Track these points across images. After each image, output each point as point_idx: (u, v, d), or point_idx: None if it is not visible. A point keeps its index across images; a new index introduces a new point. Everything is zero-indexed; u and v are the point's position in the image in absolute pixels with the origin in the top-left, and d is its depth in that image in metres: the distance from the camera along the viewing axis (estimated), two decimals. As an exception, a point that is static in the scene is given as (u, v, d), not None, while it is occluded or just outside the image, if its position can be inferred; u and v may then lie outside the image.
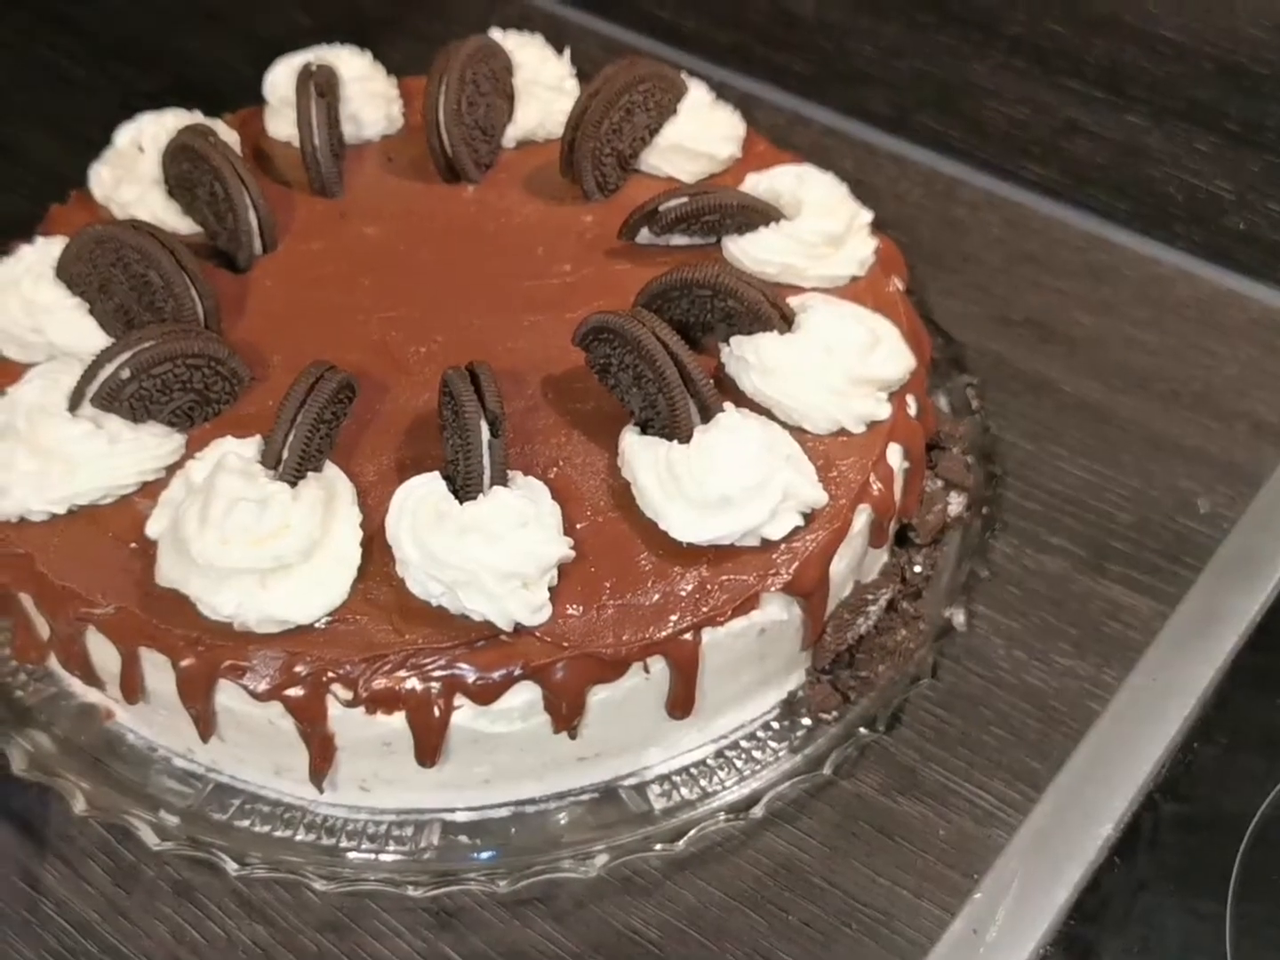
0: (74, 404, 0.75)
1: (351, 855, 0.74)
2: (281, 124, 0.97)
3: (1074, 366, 1.04)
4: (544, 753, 0.74)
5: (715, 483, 0.72)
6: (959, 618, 0.84)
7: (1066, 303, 1.09)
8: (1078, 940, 0.74)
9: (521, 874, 0.73)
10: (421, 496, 0.71)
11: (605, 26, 1.36)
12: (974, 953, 0.73)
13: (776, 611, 0.74)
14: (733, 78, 1.28)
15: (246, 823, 0.75)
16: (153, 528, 0.72)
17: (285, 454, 0.71)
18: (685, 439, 0.74)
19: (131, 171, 0.90)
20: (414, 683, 0.69)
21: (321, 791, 0.74)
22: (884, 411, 0.80)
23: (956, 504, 0.88)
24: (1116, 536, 0.92)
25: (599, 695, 0.71)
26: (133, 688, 0.73)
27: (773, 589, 0.73)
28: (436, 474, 0.72)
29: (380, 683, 0.69)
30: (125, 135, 0.92)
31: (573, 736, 0.73)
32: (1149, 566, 0.90)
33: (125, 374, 0.74)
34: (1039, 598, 0.89)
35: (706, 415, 0.75)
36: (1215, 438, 0.99)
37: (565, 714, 0.71)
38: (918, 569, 0.86)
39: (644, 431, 0.76)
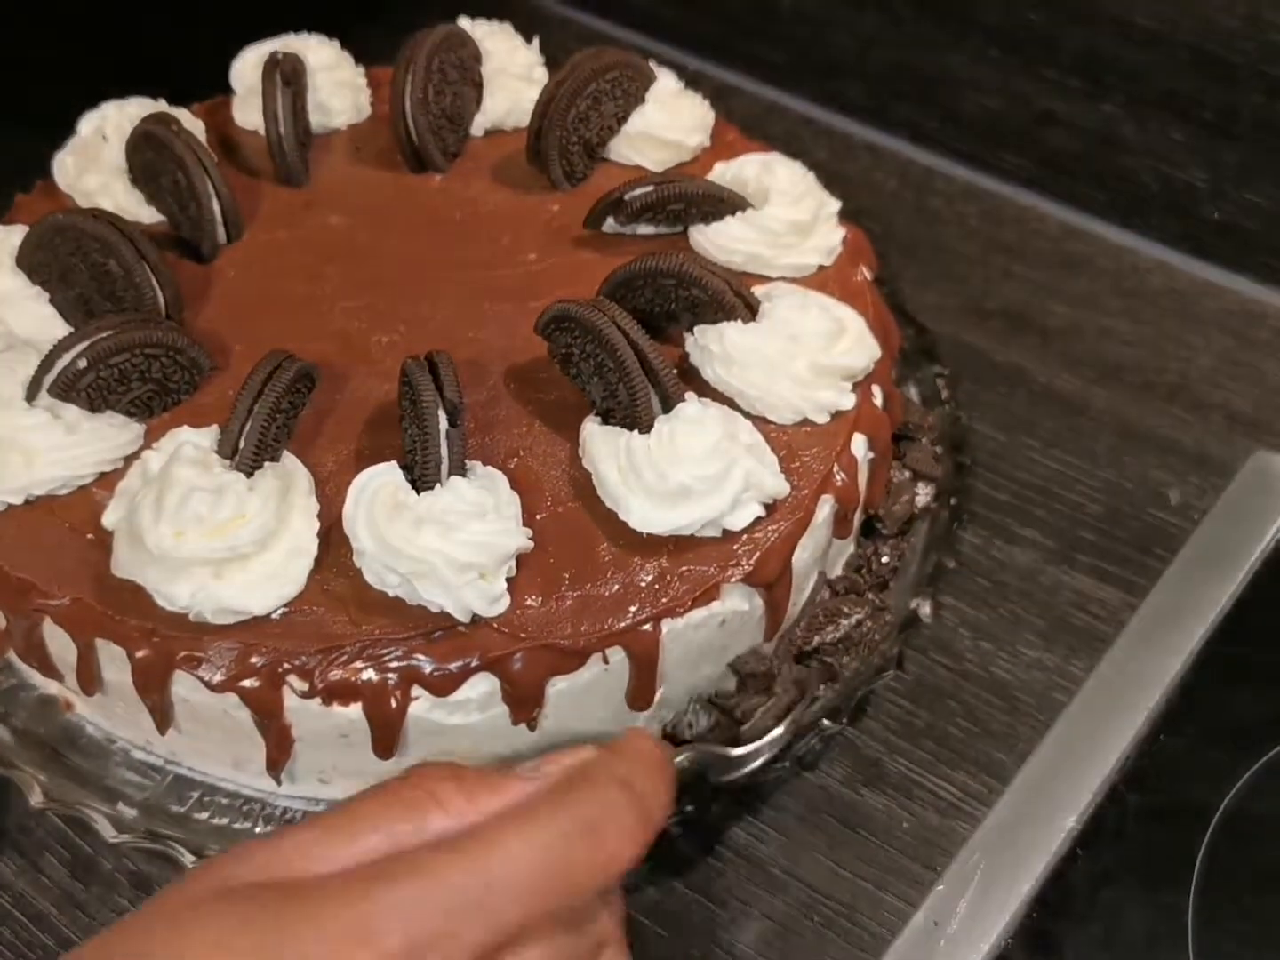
0: (31, 394, 0.74)
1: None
2: (249, 113, 0.96)
3: (1048, 357, 1.04)
4: (504, 744, 0.73)
5: (675, 473, 0.71)
6: (924, 609, 0.84)
7: (1041, 293, 1.09)
8: (1040, 933, 0.74)
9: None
10: (378, 487, 0.70)
11: (582, 16, 1.35)
12: (935, 945, 0.73)
13: (737, 602, 0.74)
14: (709, 67, 1.28)
15: (205, 815, 0.74)
16: (109, 518, 0.71)
17: (241, 444, 0.71)
18: (646, 429, 0.73)
19: (95, 160, 0.89)
20: (370, 674, 0.68)
21: (280, 784, 0.74)
22: (848, 402, 0.79)
23: (924, 494, 0.88)
24: (1086, 528, 0.92)
25: (558, 686, 0.71)
26: (90, 679, 0.72)
27: (733, 580, 0.72)
28: (394, 464, 0.72)
29: (336, 674, 0.68)
30: (89, 124, 0.91)
31: (531, 728, 0.72)
32: (1118, 558, 0.90)
33: (82, 364, 0.73)
34: (1007, 589, 0.89)
35: (668, 405, 0.74)
36: (1189, 429, 0.99)
37: (524, 705, 0.71)
38: (884, 560, 0.86)
39: (605, 421, 0.76)
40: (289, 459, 0.73)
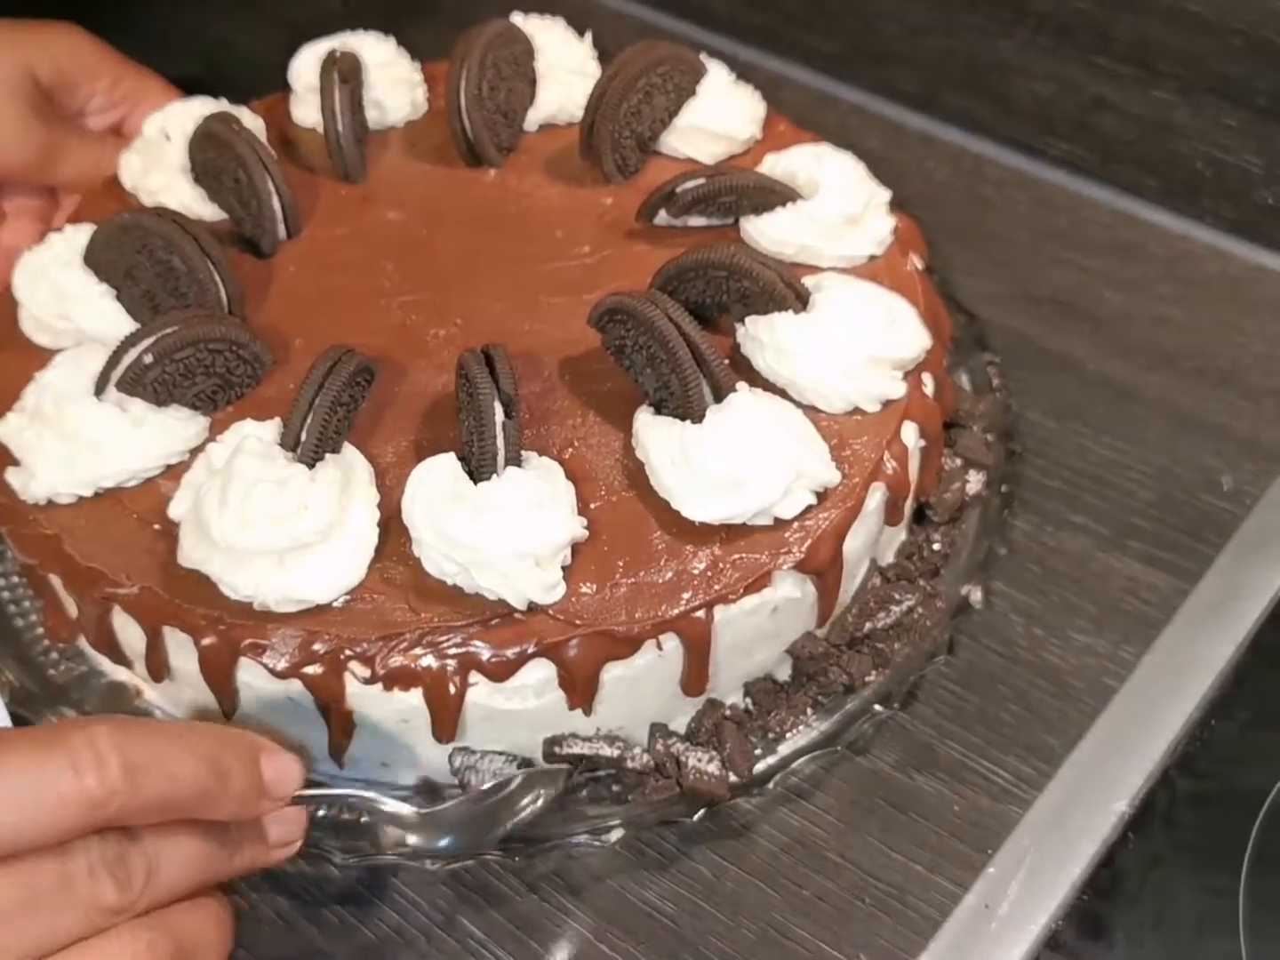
0: (99, 388, 0.76)
1: (371, 830, 0.75)
2: (307, 110, 0.98)
3: (1099, 344, 1.03)
4: (560, 729, 0.75)
5: (727, 462, 0.72)
6: (976, 595, 0.84)
7: (1093, 280, 1.08)
8: (1091, 915, 0.74)
9: (538, 848, 0.74)
10: (437, 477, 0.72)
11: (635, 8, 1.36)
12: (986, 927, 0.73)
13: (789, 589, 0.75)
14: (760, 58, 1.28)
15: (270, 798, 0.77)
16: (175, 509, 0.73)
17: (303, 436, 0.73)
18: (698, 419, 0.74)
19: (159, 160, 0.91)
20: (430, 660, 0.70)
21: (342, 767, 0.76)
22: (899, 390, 0.80)
23: (975, 482, 0.88)
24: (1138, 514, 0.92)
25: (613, 672, 0.72)
26: (158, 666, 0.74)
27: (785, 567, 0.73)
28: (451, 455, 0.73)
29: (397, 660, 0.70)
30: (153, 124, 0.93)
31: (587, 713, 0.74)
32: (1170, 544, 0.90)
33: (148, 359, 0.75)
34: (1058, 575, 0.89)
35: (719, 395, 0.75)
36: (1242, 415, 0.98)
37: (580, 691, 0.72)
38: (936, 546, 0.87)
39: (658, 412, 0.77)
40: (349, 451, 0.75)
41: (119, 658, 0.78)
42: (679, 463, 0.73)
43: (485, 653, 0.70)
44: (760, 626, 0.75)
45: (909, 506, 0.84)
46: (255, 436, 0.73)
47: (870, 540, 0.80)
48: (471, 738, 0.74)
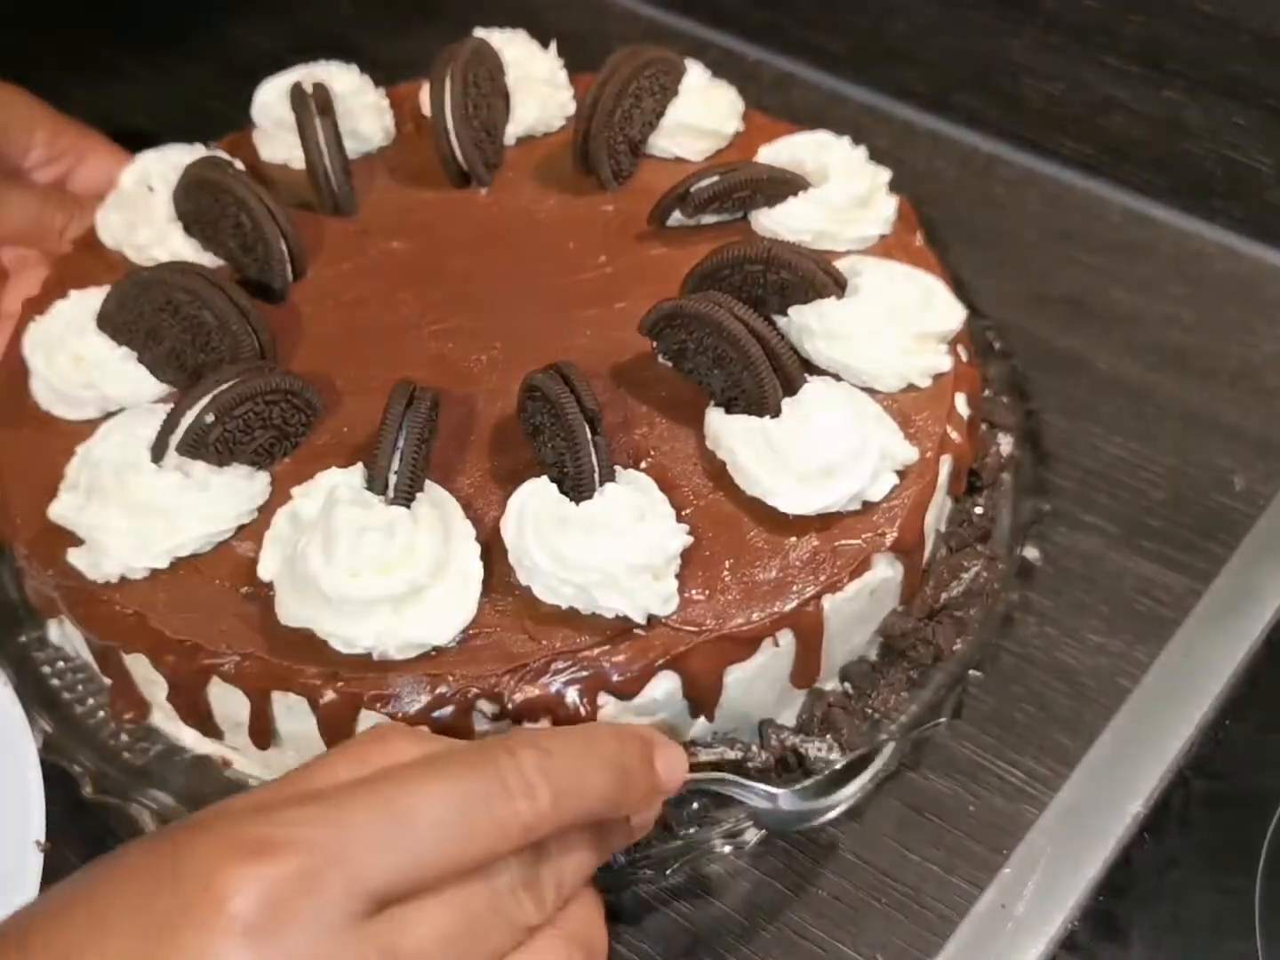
0: (158, 454, 0.73)
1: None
2: (277, 147, 0.96)
3: (1110, 344, 1.03)
4: (682, 738, 0.75)
5: (817, 452, 0.73)
6: (1033, 553, 0.86)
7: (1103, 280, 1.07)
8: (1107, 915, 0.74)
9: (681, 857, 0.74)
10: (538, 504, 0.71)
11: (644, 8, 1.32)
12: (1002, 927, 0.73)
13: (884, 570, 0.76)
14: (769, 57, 1.28)
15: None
16: (266, 569, 0.71)
17: (393, 478, 0.71)
18: (775, 413, 0.75)
19: (144, 212, 0.88)
20: (557, 687, 0.69)
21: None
22: (947, 363, 0.82)
23: (1006, 444, 0.90)
24: (1151, 514, 0.92)
25: (733, 675, 0.72)
26: (265, 733, 0.72)
27: (882, 549, 0.74)
28: (544, 479, 0.72)
29: (525, 691, 0.69)
30: (130, 176, 0.90)
31: (710, 719, 0.74)
32: (1183, 543, 0.90)
33: (209, 418, 0.73)
34: (1071, 575, 0.88)
35: (790, 388, 0.76)
36: (1253, 415, 0.98)
37: (706, 698, 0.72)
38: (979, 511, 0.88)
39: (729, 411, 0.77)
40: (433, 488, 0.73)
41: (210, 730, 0.75)
42: (767, 459, 0.74)
43: (612, 672, 0.69)
44: (861, 610, 0.76)
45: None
46: (345, 485, 0.71)
47: (939, 513, 0.82)
48: (600, 759, 0.73)
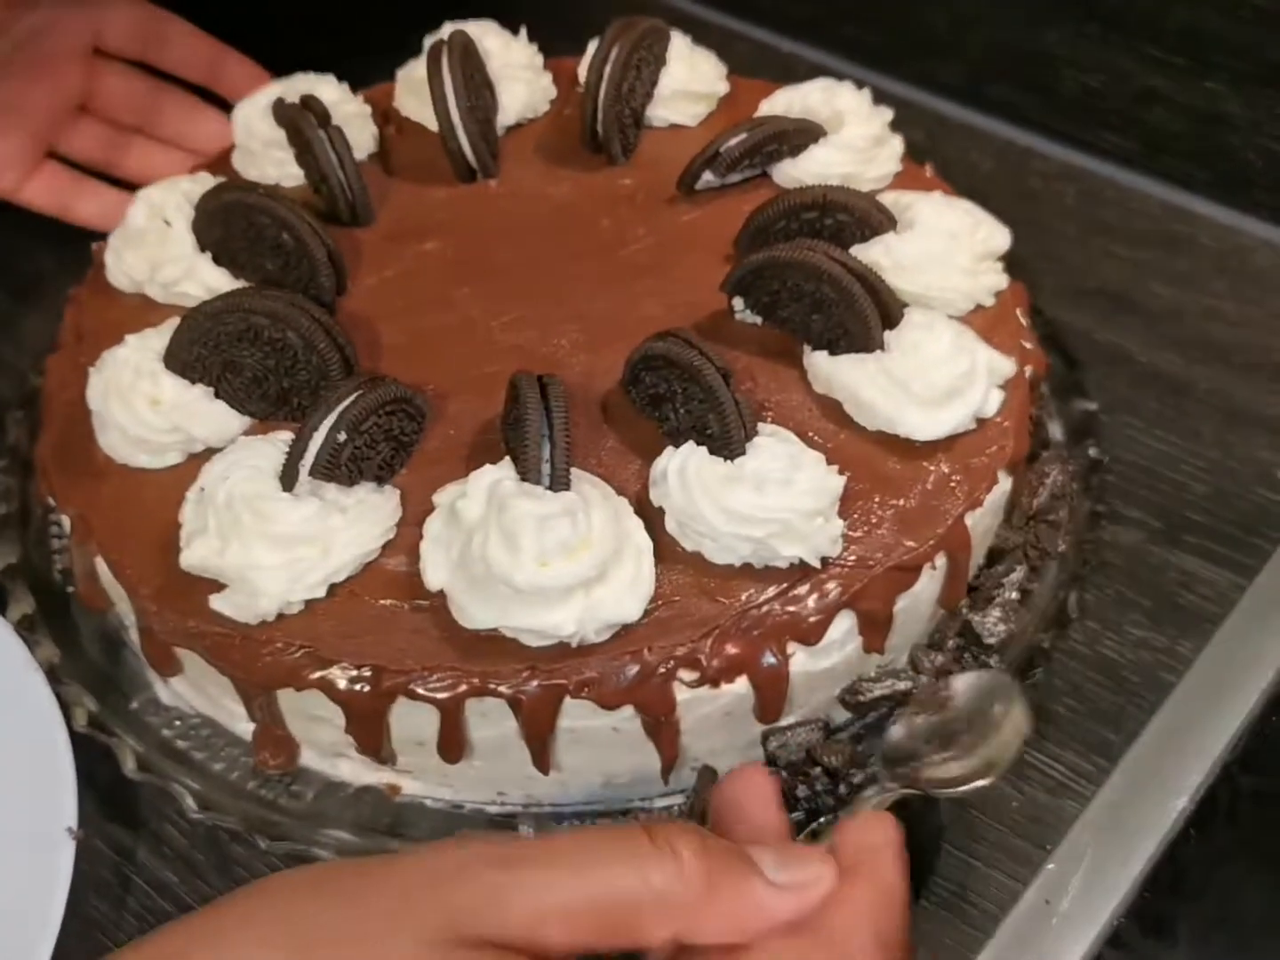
0: (289, 483, 0.71)
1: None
2: (266, 165, 0.92)
3: (1150, 338, 1.02)
4: (854, 675, 0.76)
5: (937, 376, 0.75)
6: (1094, 451, 0.89)
7: (1143, 273, 1.07)
8: (1153, 912, 0.73)
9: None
10: (695, 467, 0.71)
11: (680, 2, 1.31)
12: (1047, 923, 0.72)
13: (1004, 483, 0.78)
14: (803, 50, 1.27)
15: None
16: (434, 579, 0.69)
17: (546, 466, 0.70)
18: (880, 347, 0.76)
19: (165, 247, 0.84)
20: (750, 642, 0.69)
21: (667, 783, 0.74)
22: (1004, 280, 0.85)
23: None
24: (1193, 508, 0.91)
25: (901, 604, 0.74)
26: (456, 746, 0.70)
27: (1004, 462, 0.77)
28: (690, 444, 0.72)
29: (721, 651, 0.69)
30: (139, 214, 0.85)
31: (882, 653, 0.75)
32: (1226, 538, 0.89)
33: (341, 436, 0.70)
34: (1113, 569, 0.87)
35: (890, 322, 0.77)
36: None
37: (879, 630, 0.73)
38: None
39: (833, 352, 0.78)
40: (577, 470, 0.72)
41: (383, 758, 0.73)
42: (891, 392, 0.75)
43: (799, 618, 0.70)
44: (989, 525, 0.79)
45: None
46: (507, 479, 0.69)
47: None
48: (790, 711, 0.74)
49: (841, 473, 0.73)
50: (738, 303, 0.82)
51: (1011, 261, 0.87)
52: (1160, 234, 1.10)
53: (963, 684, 0.72)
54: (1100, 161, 1.16)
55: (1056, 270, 1.05)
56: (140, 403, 0.76)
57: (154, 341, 0.78)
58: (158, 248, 0.84)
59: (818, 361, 0.78)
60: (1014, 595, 0.81)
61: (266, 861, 0.74)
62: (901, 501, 0.74)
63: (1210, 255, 1.08)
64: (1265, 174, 1.10)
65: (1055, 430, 0.92)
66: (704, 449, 0.72)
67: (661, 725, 0.70)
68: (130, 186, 0.97)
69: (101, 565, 0.76)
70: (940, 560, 0.74)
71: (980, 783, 0.67)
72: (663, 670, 0.68)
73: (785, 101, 0.93)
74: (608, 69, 0.91)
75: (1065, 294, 1.03)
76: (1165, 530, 0.90)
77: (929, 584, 0.75)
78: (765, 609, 0.70)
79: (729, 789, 0.63)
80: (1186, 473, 0.93)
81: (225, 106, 1.02)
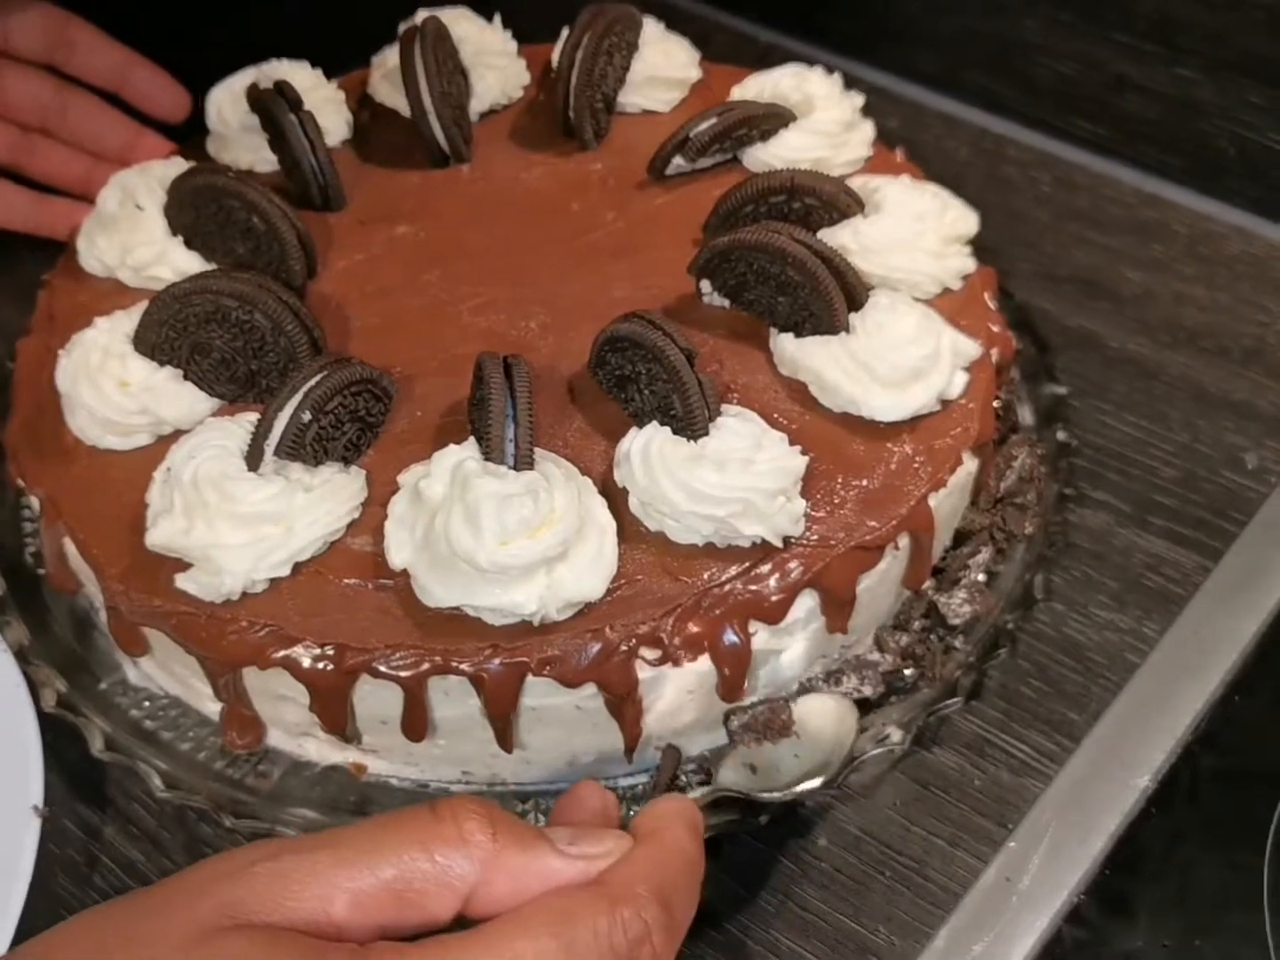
0: (254, 462, 0.71)
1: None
2: (240, 151, 0.93)
3: (1122, 323, 1.02)
4: (818, 655, 0.76)
5: (902, 358, 0.76)
6: (1062, 434, 0.90)
7: (1115, 259, 1.08)
8: (1112, 889, 0.74)
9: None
10: (658, 447, 0.71)
11: None
12: (1006, 900, 0.73)
13: (969, 464, 0.79)
14: (781, 39, 1.27)
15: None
16: (398, 558, 0.69)
17: (509, 446, 0.70)
18: (846, 329, 0.77)
19: (138, 231, 0.84)
20: (712, 621, 0.70)
21: (630, 762, 0.74)
22: (973, 264, 0.85)
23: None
24: (1161, 491, 0.91)
25: (864, 584, 0.74)
26: (420, 725, 0.71)
27: (968, 444, 0.77)
28: (654, 425, 0.73)
29: (683, 630, 0.69)
30: (110, 198, 0.86)
31: (845, 632, 0.75)
32: (1193, 521, 0.90)
33: (306, 416, 0.71)
34: (1080, 551, 0.88)
35: (855, 304, 0.78)
36: (1265, 393, 0.98)
37: (841, 610, 0.74)
38: (995, 404, 0.92)
39: (798, 335, 0.78)
40: (540, 450, 0.73)
41: (348, 737, 0.73)
42: (855, 373, 0.76)
43: (761, 597, 0.70)
44: (955, 505, 0.79)
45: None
46: (470, 459, 0.70)
47: (991, 406, 0.85)
48: (750, 689, 0.74)
49: (805, 453, 0.73)
50: (705, 285, 0.82)
51: (985, 247, 0.88)
52: (1133, 220, 1.11)
53: (805, 709, 0.74)
54: (1074, 148, 1.17)
55: (1029, 256, 1.06)
56: (109, 385, 0.76)
57: (123, 324, 0.78)
58: (129, 232, 0.85)
59: (783, 344, 0.79)
60: (980, 577, 0.82)
61: (233, 840, 0.75)
62: (865, 482, 0.74)
63: (1182, 241, 1.10)
64: (1237, 161, 1.11)
65: (1025, 414, 0.92)
66: (668, 429, 0.72)
67: (624, 703, 0.70)
68: (37, 187, 1.00)
69: (70, 546, 0.76)
70: (903, 541, 0.75)
71: (810, 784, 0.71)
72: (624, 648, 0.69)
73: (757, 87, 0.94)
74: (579, 55, 0.91)
75: (1038, 279, 1.04)
76: (1133, 513, 0.91)
77: (892, 564, 0.76)
78: (727, 588, 0.70)
79: (560, 801, 0.63)
80: (1155, 456, 0.94)
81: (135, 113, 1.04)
